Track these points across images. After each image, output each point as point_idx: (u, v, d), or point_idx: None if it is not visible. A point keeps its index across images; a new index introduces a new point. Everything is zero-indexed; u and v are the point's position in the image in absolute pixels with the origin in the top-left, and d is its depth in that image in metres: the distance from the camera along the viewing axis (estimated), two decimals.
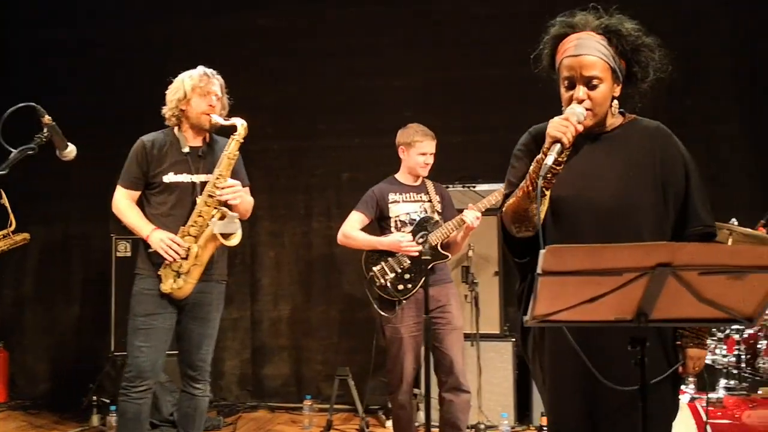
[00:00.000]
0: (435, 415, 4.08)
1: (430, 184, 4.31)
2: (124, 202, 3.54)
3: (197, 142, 3.59)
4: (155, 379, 3.50)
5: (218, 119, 3.51)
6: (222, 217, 3.42)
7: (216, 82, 3.59)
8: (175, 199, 3.49)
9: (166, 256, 3.39)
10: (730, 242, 3.28)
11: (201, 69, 3.58)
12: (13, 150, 2.44)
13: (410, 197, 4.23)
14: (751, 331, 3.30)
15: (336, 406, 5.40)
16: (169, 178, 3.49)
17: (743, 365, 3.29)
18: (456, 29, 6.04)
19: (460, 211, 4.17)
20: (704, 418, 3.12)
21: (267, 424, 5.54)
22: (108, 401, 5.20)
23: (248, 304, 6.22)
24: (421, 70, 6.06)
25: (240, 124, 3.51)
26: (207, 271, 3.50)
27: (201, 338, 3.55)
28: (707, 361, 3.44)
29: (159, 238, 3.40)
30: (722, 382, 3.42)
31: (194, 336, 3.54)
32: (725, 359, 3.37)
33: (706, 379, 2.41)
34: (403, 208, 4.20)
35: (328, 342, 6.10)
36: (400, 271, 4.08)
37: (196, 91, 3.50)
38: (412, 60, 6.07)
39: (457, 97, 5.90)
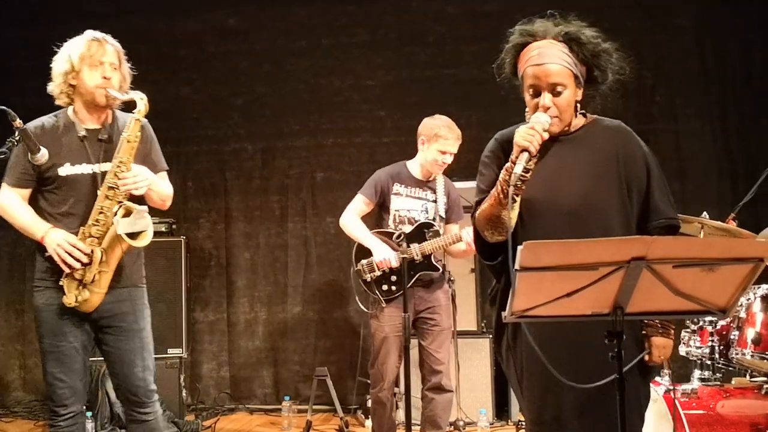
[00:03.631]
0: (416, 414, 4.09)
1: (440, 181, 4.11)
2: (11, 201, 2.93)
3: (96, 122, 2.99)
4: (82, 403, 3.03)
5: (116, 94, 2.91)
6: (127, 214, 2.85)
7: (110, 49, 2.95)
8: (75, 194, 2.92)
9: (62, 266, 2.83)
10: (701, 236, 3.34)
11: (89, 33, 2.96)
12: None
13: (415, 193, 4.07)
14: (724, 322, 3.35)
15: (315, 407, 5.38)
16: (66, 170, 2.90)
17: (717, 356, 3.34)
18: (425, 28, 6.08)
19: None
20: (679, 409, 3.17)
21: (246, 427, 5.51)
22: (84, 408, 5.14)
23: (224, 307, 6.18)
24: (391, 68, 6.09)
25: (139, 98, 2.91)
26: (120, 276, 2.97)
27: (132, 354, 2.99)
28: (681, 353, 3.51)
29: (56, 242, 2.82)
30: (696, 373, 3.47)
31: (123, 354, 2.98)
32: (699, 351, 3.41)
33: (668, 365, 2.44)
34: (405, 203, 4.06)
35: (305, 343, 6.08)
36: (387, 270, 3.99)
37: (86, 61, 2.89)
38: (383, 59, 6.10)
39: (428, 95, 5.92)
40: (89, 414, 4.65)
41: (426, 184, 4.11)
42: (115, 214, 2.84)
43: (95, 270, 2.85)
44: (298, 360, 6.08)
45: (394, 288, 3.99)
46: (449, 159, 4.02)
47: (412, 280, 3.94)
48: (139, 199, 2.97)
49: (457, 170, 5.53)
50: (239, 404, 6.03)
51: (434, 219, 4.07)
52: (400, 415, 4.68)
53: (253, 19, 6.27)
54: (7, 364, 6.30)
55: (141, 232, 2.87)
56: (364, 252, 4.04)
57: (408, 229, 4.01)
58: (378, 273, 4.01)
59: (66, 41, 2.95)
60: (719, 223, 3.38)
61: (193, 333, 5.99)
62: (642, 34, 5.54)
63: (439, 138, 3.97)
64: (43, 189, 2.95)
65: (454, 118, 5.93)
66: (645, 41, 5.56)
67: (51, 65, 2.93)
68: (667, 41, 5.69)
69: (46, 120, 2.97)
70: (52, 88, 2.96)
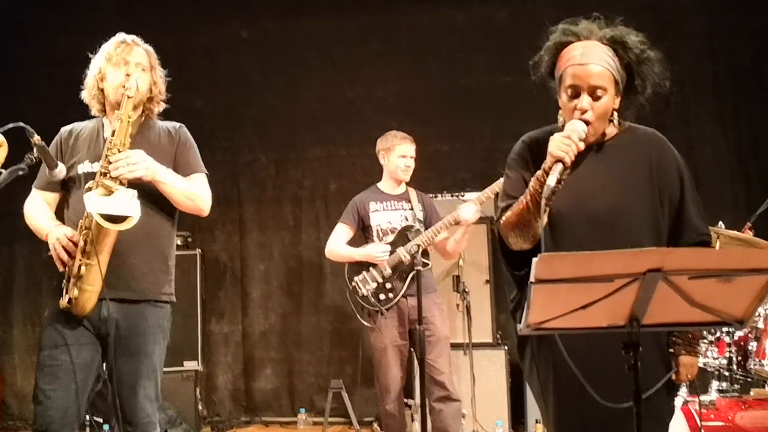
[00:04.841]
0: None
1: (413, 192, 4.33)
2: (31, 204, 2.80)
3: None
4: (73, 428, 2.65)
5: (130, 84, 2.67)
6: (108, 194, 2.52)
7: (138, 50, 2.82)
8: None
9: (57, 263, 2.61)
10: (717, 245, 3.31)
11: (119, 35, 2.85)
12: (2, 171, 2.42)
13: (391, 206, 4.26)
14: (741, 333, 3.32)
15: (330, 419, 5.38)
16: (85, 167, 2.71)
17: (735, 367, 3.31)
18: (436, 39, 6.09)
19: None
20: (698, 421, 3.14)
21: None
22: (101, 420, 5.16)
23: (239, 318, 6.20)
24: (403, 79, 6.11)
25: (134, 78, 2.69)
26: (136, 286, 2.68)
27: (135, 379, 2.64)
28: (699, 364, 3.48)
29: (55, 237, 2.61)
30: (714, 384, 3.44)
31: (125, 376, 2.64)
32: (717, 362, 3.39)
33: (696, 384, 2.41)
34: (384, 216, 4.23)
35: (319, 354, 6.08)
36: (381, 280, 4.11)
37: (111, 61, 2.75)
38: (395, 70, 6.12)
39: (441, 106, 5.94)
40: (106, 427, 4.67)
41: (400, 196, 4.30)
42: (89, 189, 2.54)
43: (78, 261, 2.55)
44: (313, 371, 6.07)
45: (391, 295, 4.10)
46: (411, 162, 4.27)
47: (406, 283, 4.08)
48: (167, 203, 2.74)
49: (468, 180, 5.55)
50: (254, 416, 6.04)
51: (414, 223, 4.22)
52: (416, 428, 4.68)
53: (265, 31, 6.31)
54: (25, 376, 6.33)
55: (125, 217, 2.49)
56: (355, 270, 4.19)
57: (391, 238, 4.18)
58: (373, 285, 4.11)
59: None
60: (735, 232, 3.36)
61: (208, 345, 6.00)
62: (653, 39, 5.52)
63: (395, 146, 4.25)
64: (67, 192, 2.80)
65: (465, 128, 6.00)
66: (656, 46, 5.53)
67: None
68: (679, 46, 5.66)
69: (79, 123, 2.89)
70: (84, 95, 2.84)
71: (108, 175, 2.55)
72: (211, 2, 6.32)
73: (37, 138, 2.44)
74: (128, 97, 2.63)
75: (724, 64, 5.72)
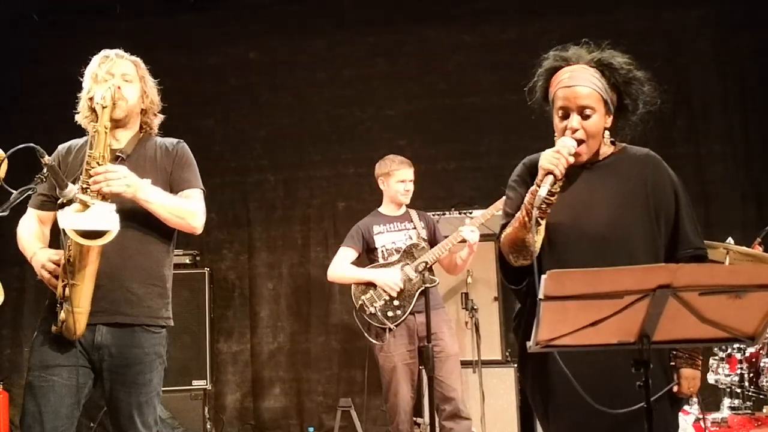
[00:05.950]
0: None
1: (414, 213, 4.38)
2: (22, 225, 2.71)
3: (120, 143, 2.72)
4: None
5: (101, 94, 2.57)
6: (85, 209, 2.41)
7: (123, 62, 2.74)
8: None
9: (50, 287, 2.54)
10: (727, 261, 3.30)
11: (103, 52, 2.78)
12: (13, 191, 2.43)
13: (394, 227, 4.30)
14: (753, 349, 3.30)
15: None
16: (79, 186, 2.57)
17: (746, 384, 3.29)
18: (444, 57, 6.13)
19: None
20: None
21: None
22: None
23: (247, 337, 6.19)
24: (411, 98, 6.14)
25: (108, 87, 2.60)
26: (131, 308, 2.58)
27: (132, 408, 2.58)
28: (710, 381, 3.46)
29: (41, 263, 2.54)
30: (726, 401, 3.41)
31: (123, 406, 2.59)
32: (728, 378, 3.37)
33: (700, 398, 2.40)
34: (388, 237, 4.27)
35: (328, 372, 6.06)
36: (388, 298, 4.12)
37: (97, 80, 2.69)
38: (402, 89, 6.15)
39: (448, 124, 5.96)
40: None
41: (401, 217, 4.34)
42: (62, 206, 2.45)
43: (62, 281, 2.48)
44: (321, 390, 6.05)
45: (399, 312, 4.11)
46: (411, 186, 4.31)
47: (414, 299, 4.10)
48: (162, 223, 2.63)
49: (476, 198, 5.55)
50: None
51: (419, 241, 4.26)
52: None
53: (274, 51, 6.36)
54: None
55: (102, 232, 2.38)
56: (362, 289, 4.21)
57: (396, 257, 4.21)
58: (380, 303, 4.11)
59: (81, 79, 2.93)
60: (745, 248, 3.35)
61: (216, 364, 5.99)
62: (661, 58, 5.55)
63: (393, 172, 4.29)
64: None
65: (473, 146, 6.01)
66: (664, 65, 5.56)
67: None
68: (687, 65, 5.68)
69: (75, 140, 2.82)
70: (78, 118, 2.79)
71: (88, 189, 2.47)
72: (220, 23, 6.38)
73: (47, 158, 2.43)
74: (103, 107, 2.55)
75: (732, 83, 5.74)
